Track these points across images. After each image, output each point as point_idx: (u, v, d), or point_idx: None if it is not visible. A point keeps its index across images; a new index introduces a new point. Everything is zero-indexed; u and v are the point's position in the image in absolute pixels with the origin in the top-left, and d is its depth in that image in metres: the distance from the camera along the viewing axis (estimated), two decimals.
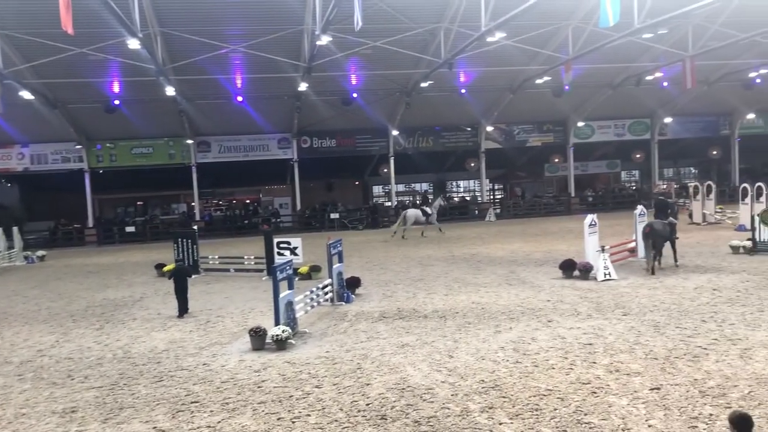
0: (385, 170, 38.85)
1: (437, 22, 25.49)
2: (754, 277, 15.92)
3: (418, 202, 37.00)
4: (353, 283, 16.34)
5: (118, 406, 9.31)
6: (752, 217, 20.44)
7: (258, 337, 11.85)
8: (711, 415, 7.83)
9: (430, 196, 33.09)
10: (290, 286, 13.06)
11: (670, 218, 18.26)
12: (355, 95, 33.02)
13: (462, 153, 40.27)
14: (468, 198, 43.06)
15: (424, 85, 30.40)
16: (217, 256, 22.50)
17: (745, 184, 26.65)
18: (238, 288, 18.63)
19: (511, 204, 39.54)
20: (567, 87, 30.36)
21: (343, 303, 15.40)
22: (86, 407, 9.31)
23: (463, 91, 33.20)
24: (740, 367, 9.48)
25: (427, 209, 30.07)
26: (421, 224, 29.48)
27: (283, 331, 11.76)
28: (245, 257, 21.72)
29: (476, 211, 38.47)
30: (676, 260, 18.06)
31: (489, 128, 37.69)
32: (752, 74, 32.86)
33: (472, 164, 40.02)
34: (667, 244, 18.01)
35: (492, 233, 29.50)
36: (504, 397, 8.84)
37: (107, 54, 25.69)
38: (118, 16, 17.69)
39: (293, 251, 18.33)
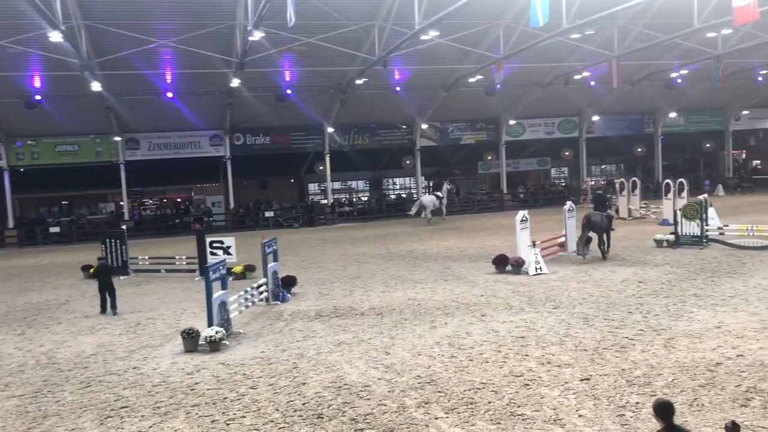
0: (321, 168, 38.65)
1: (371, 19, 25.51)
2: (676, 270, 16.60)
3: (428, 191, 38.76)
4: (289, 282, 16.18)
5: (42, 414, 8.92)
6: (675, 212, 21.31)
7: (191, 339, 11.58)
8: (637, 403, 8.12)
9: (446, 185, 34.84)
10: (224, 286, 12.82)
11: (608, 211, 19.58)
12: (289, 92, 32.69)
13: (398, 150, 40.48)
14: (404, 195, 43.31)
15: (359, 82, 30.39)
16: (147, 257, 21.87)
17: (668, 180, 27.77)
18: (170, 289, 18.16)
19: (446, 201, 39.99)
20: (499, 86, 30.91)
21: (279, 302, 15.23)
22: (6, 417, 8.89)
23: (397, 88, 33.36)
24: (664, 356, 9.87)
25: (439, 193, 32.56)
26: (434, 212, 31.45)
27: (216, 332, 11.54)
28: (177, 257, 21.20)
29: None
30: (606, 253, 18.88)
31: (424, 126, 38.01)
32: (674, 74, 34.24)
33: (408, 162, 40.28)
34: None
35: (428, 230, 29.79)
36: (440, 391, 8.92)
37: (27, 47, 24.56)
38: (38, 8, 16.92)
39: (226, 251, 17.99)
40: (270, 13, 19.78)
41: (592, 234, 18.79)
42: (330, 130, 36.73)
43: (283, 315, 14.07)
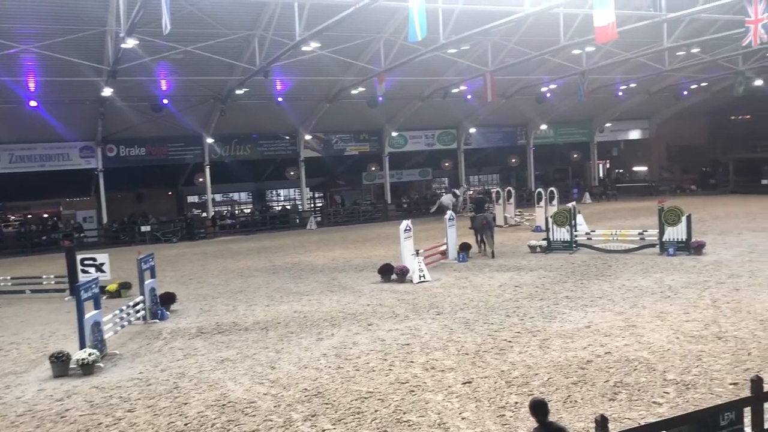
0: (201, 180, 37.50)
1: (251, 29, 25.14)
2: (549, 274, 17.50)
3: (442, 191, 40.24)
4: (168, 299, 15.54)
5: None
6: (546, 219, 22.51)
7: (60, 363, 10.84)
8: (516, 403, 8.45)
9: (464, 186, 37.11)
10: (97, 306, 12.12)
11: (486, 213, 21.82)
12: (166, 101, 31.49)
13: (281, 161, 40.06)
14: (289, 207, 42.89)
15: (239, 92, 29.82)
16: (9, 277, 20.25)
17: (540, 189, 29.31)
18: (36, 311, 16.92)
19: (331, 212, 40.02)
20: (381, 98, 31.34)
21: (157, 320, 14.59)
22: None
23: (280, 99, 33.03)
24: (540, 356, 10.35)
25: (456, 191, 34.71)
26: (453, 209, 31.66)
27: (89, 355, 10.88)
28: (44, 277, 19.79)
29: (297, 220, 38.46)
30: (485, 249, 21.01)
31: (307, 137, 37.89)
32: (543, 89, 36.22)
33: (292, 173, 39.96)
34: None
35: (313, 241, 29.65)
36: (327, 403, 8.87)
37: None
38: None
39: (99, 268, 17.04)
40: (144, 20, 19.02)
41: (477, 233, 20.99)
42: (210, 140, 35.76)
43: (162, 333, 13.49)
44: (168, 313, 15.11)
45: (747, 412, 6.22)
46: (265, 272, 21.17)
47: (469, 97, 35.23)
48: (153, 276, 15.34)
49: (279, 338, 12.49)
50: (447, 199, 33.75)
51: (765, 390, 6.33)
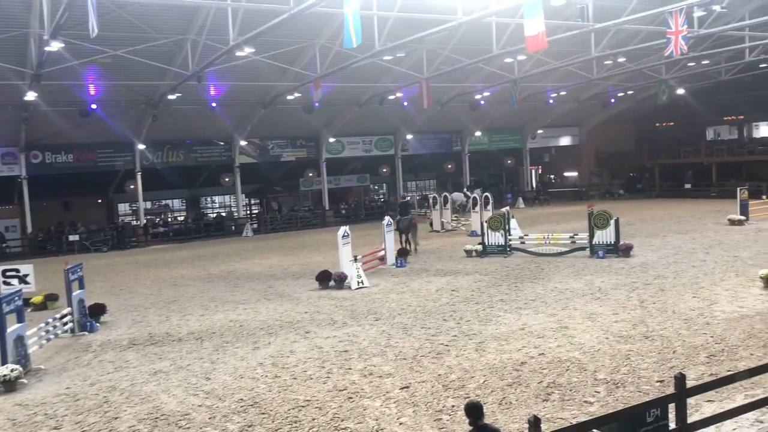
0: (132, 187, 36.45)
1: (183, 33, 24.64)
2: (485, 277, 17.79)
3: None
4: (97, 311, 15.02)
5: None
6: (482, 224, 22.90)
7: None
8: (453, 406, 8.54)
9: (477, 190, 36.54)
10: (20, 319, 11.59)
11: (411, 216, 23.84)
12: (94, 106, 30.46)
13: (216, 168, 39.36)
14: (224, 214, 42.15)
15: (171, 97, 29.18)
16: None
17: (476, 194, 29.78)
18: None
19: (268, 219, 39.54)
20: (317, 104, 31.28)
21: (86, 333, 14.08)
22: None
23: (214, 104, 32.44)
24: (476, 359, 10.49)
25: (468, 192, 35.14)
26: (461, 208, 33.63)
27: (12, 371, 10.39)
28: None
29: (233, 227, 37.84)
30: (411, 248, 22.70)
31: (243, 143, 37.38)
32: (478, 96, 36.90)
33: (227, 179, 39.32)
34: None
35: (249, 249, 29.23)
36: (263, 413, 8.75)
37: None
38: None
39: (23, 279, 16.27)
40: (69, 22, 18.38)
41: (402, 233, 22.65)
42: (141, 146, 34.81)
43: (92, 346, 13.03)
44: (98, 324, 14.60)
45: (672, 408, 6.48)
46: (200, 281, 20.74)
47: (405, 103, 35.52)
48: (81, 287, 14.81)
49: (214, 348, 12.24)
50: (457, 195, 35.01)
51: (688, 386, 6.61)
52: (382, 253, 21.02)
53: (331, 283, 17.64)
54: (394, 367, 10.36)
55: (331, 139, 39.86)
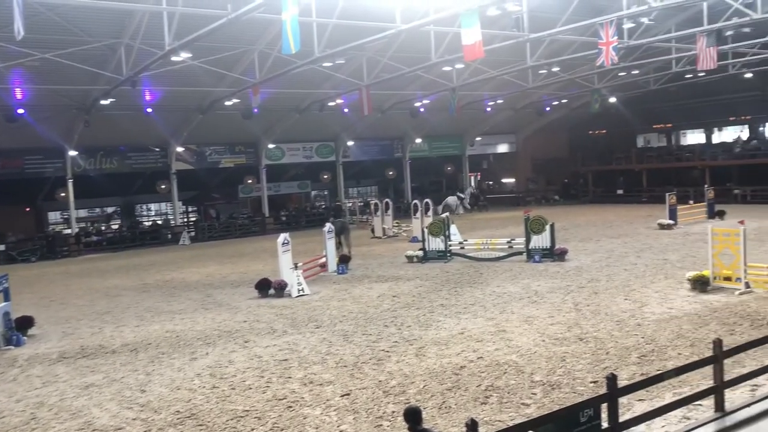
0: (63, 194, 35.18)
1: (117, 37, 24.01)
2: (425, 283, 17.92)
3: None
4: (24, 323, 14.40)
5: None
6: (422, 230, 23.09)
7: None
8: (393, 412, 8.55)
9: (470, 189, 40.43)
10: None
11: (344, 219, 23.95)
12: (21, 111, 29.29)
13: (151, 174, 38.41)
14: (160, 222, 41.13)
15: (105, 102, 28.34)
16: None
17: (416, 201, 30.01)
18: None
19: (206, 226, 38.81)
20: (256, 110, 30.90)
21: (12, 347, 13.48)
22: None
23: (149, 110, 31.66)
24: (416, 364, 10.55)
25: (461, 194, 37.39)
26: (455, 208, 35.71)
27: None
28: None
29: (169, 235, 36.96)
30: (344, 250, 22.77)
31: (179, 149, 36.63)
32: (417, 104, 37.22)
33: (163, 186, 38.43)
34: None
35: (187, 257, 28.60)
36: (201, 425, 8.57)
37: None
38: None
39: None
40: None
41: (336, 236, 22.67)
42: (72, 153, 33.66)
43: (18, 361, 12.48)
44: (25, 338, 14.00)
45: (605, 407, 6.67)
46: (135, 291, 20.17)
47: (346, 110, 35.53)
48: (7, 299, 14.21)
49: (150, 360, 11.92)
50: (452, 200, 36.40)
51: (619, 386, 6.81)
52: (323, 260, 20.92)
53: (271, 291, 17.45)
54: (335, 374, 10.31)
55: (271, 146, 39.50)
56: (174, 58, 21.97)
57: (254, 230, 38.61)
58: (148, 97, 30.39)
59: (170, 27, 19.31)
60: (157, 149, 36.81)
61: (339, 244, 23.10)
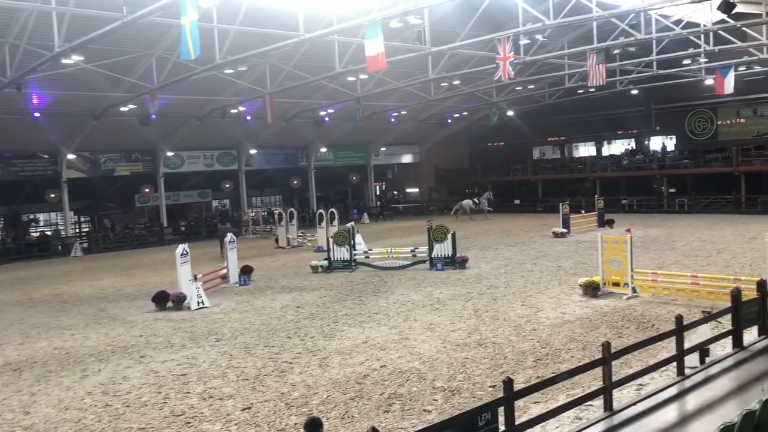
0: None
1: (1, 36, 22.57)
2: (330, 293, 17.86)
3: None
4: None
5: None
6: (328, 240, 23.02)
7: None
8: (296, 424, 8.45)
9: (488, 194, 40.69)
10: None
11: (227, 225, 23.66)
12: None
13: (40, 182, 36.20)
14: (49, 232, 38.84)
15: None
16: None
17: (321, 210, 29.92)
18: None
19: (100, 237, 36.99)
20: (154, 116, 29.87)
21: None
22: None
23: (37, 114, 29.87)
24: (320, 375, 10.48)
25: (476, 199, 38.93)
26: (472, 211, 38.00)
27: None
28: None
29: (60, 247, 34.97)
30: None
31: (71, 156, 34.79)
32: (322, 113, 37.18)
33: (53, 195, 36.33)
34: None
35: (79, 270, 27.14)
36: None
37: None
38: None
39: None
40: None
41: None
42: None
43: None
44: None
45: (502, 411, 6.85)
46: (20, 306, 18.92)
47: (248, 118, 34.95)
48: None
49: (35, 379, 11.21)
50: (468, 203, 38.15)
51: (515, 390, 7.03)
52: (225, 271, 20.44)
53: (169, 304, 16.86)
54: (236, 388, 10.07)
55: (170, 153, 38.23)
56: (65, 61, 20.91)
57: (152, 241, 37.18)
58: (35, 101, 28.71)
59: (60, 28, 18.37)
60: (47, 156, 34.80)
61: (222, 246, 23.10)
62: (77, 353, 12.85)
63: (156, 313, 16.54)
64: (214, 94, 31.74)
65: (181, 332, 14.17)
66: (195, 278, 17.10)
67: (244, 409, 9.10)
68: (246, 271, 20.59)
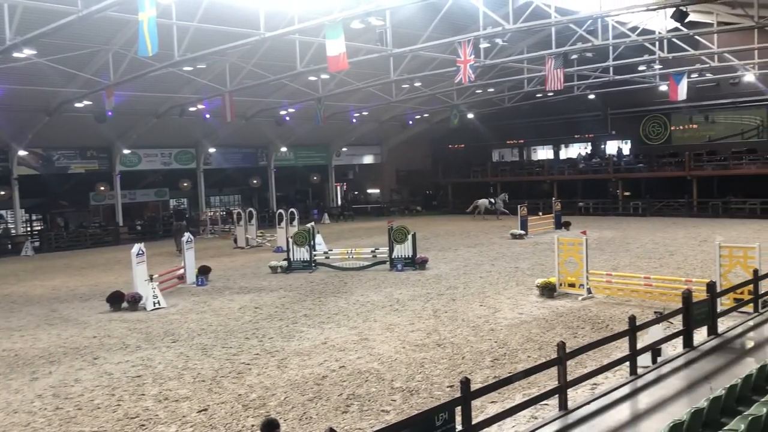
0: None
1: None
2: (289, 293, 17.75)
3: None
4: None
5: None
6: (287, 240, 22.87)
7: None
8: (253, 425, 8.37)
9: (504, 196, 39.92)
10: None
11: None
12: None
13: None
14: None
15: None
16: None
17: (281, 210, 29.70)
18: None
19: (52, 236, 36.04)
20: (110, 113, 29.22)
21: None
22: None
23: None
24: (278, 376, 10.41)
25: (492, 199, 38.84)
26: (487, 211, 38.01)
27: None
28: None
29: (10, 246, 33.95)
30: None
31: (22, 153, 33.81)
32: (283, 112, 36.91)
33: (2, 192, 35.25)
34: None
35: (29, 269, 26.40)
36: None
37: None
38: None
39: None
40: None
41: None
42: None
43: None
44: None
45: (459, 411, 6.91)
46: None
47: (207, 116, 34.44)
48: None
49: None
50: (482, 202, 38.25)
51: (472, 389, 7.09)
52: (182, 271, 20.13)
53: (124, 304, 16.54)
54: (192, 389, 9.93)
55: (126, 151, 37.49)
56: (16, 54, 20.29)
57: (107, 240, 36.39)
58: None
59: (12, 21, 17.85)
60: None
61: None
62: (27, 355, 12.50)
63: (110, 313, 16.21)
64: (173, 92, 31.24)
65: (136, 333, 13.91)
66: (151, 278, 16.80)
67: (200, 411, 8.98)
68: (203, 272, 20.33)
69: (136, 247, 17.33)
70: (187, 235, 20.97)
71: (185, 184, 42.67)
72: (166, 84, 29.53)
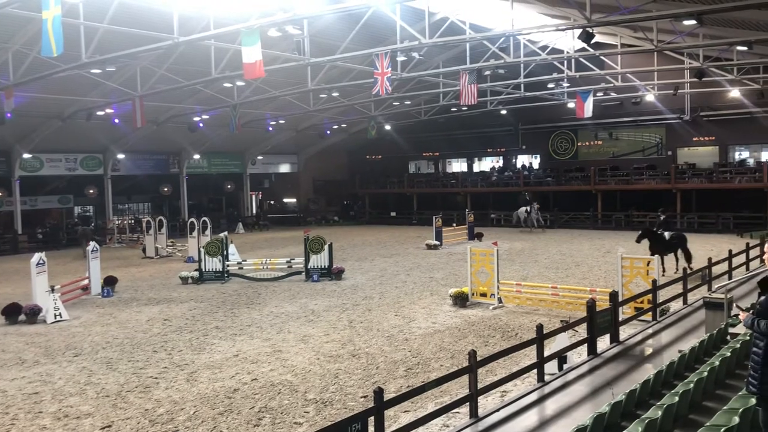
0: None
1: None
2: (200, 305, 17.29)
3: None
4: None
5: None
6: (199, 250, 22.29)
7: None
8: None
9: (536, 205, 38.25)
10: None
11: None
12: None
13: None
14: None
15: None
16: None
17: (193, 219, 28.93)
18: None
19: None
20: (9, 115, 27.64)
21: None
22: None
23: None
24: (187, 390, 10.09)
25: (527, 208, 37.20)
26: (525, 221, 36.92)
27: None
28: None
29: None
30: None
31: None
32: (196, 118, 36.01)
33: None
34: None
35: None
36: None
37: None
38: None
39: None
40: None
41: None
42: None
43: None
44: None
45: (372, 421, 6.91)
46: None
47: (116, 120, 33.18)
48: None
49: None
50: (521, 211, 37.48)
51: (385, 399, 7.12)
52: (86, 282, 19.24)
53: (22, 317, 15.64)
54: (95, 405, 9.49)
55: (27, 155, 35.51)
56: None
57: (4, 249, 34.33)
58: None
59: None
60: None
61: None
62: None
63: (6, 327, 15.28)
64: (80, 95, 29.91)
65: (34, 347, 13.17)
66: (52, 289, 15.96)
67: (103, 428, 8.59)
68: (109, 282, 19.48)
69: (36, 257, 16.44)
70: (92, 244, 20.08)
71: (92, 191, 40.86)
72: (73, 86, 28.24)
